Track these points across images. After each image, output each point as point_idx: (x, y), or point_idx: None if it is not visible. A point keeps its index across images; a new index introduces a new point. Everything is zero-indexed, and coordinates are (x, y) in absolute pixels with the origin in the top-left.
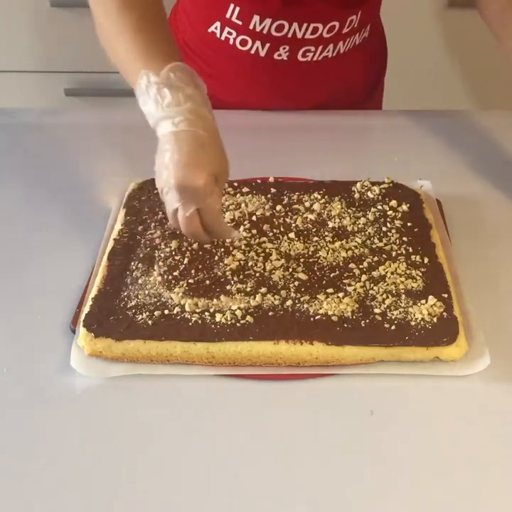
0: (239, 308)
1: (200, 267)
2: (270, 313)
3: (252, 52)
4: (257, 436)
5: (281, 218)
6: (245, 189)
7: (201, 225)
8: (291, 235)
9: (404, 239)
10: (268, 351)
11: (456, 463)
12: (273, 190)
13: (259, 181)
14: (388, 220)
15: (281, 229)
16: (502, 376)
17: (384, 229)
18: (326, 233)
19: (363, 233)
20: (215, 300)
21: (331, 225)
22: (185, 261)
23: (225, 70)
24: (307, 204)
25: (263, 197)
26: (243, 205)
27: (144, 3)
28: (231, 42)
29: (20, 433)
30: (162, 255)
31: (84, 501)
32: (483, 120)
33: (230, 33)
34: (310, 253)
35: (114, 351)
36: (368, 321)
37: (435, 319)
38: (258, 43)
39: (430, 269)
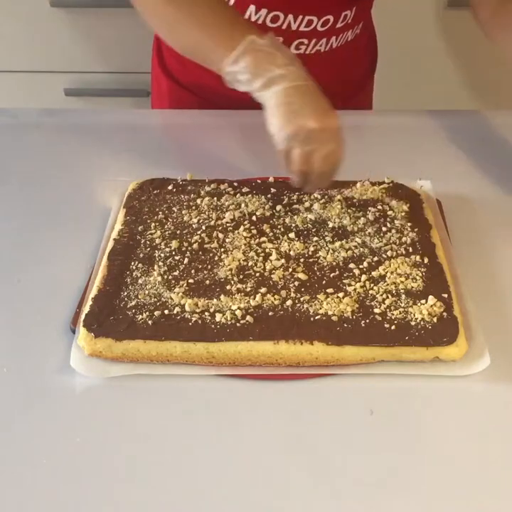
0: (239, 308)
1: (200, 267)
2: (270, 313)
3: None
4: (257, 436)
5: (281, 218)
6: (245, 189)
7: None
8: (291, 235)
9: (404, 239)
10: (268, 351)
11: (456, 463)
12: (273, 190)
13: (259, 181)
14: (388, 220)
15: (281, 229)
16: (502, 376)
17: (384, 229)
18: (326, 233)
19: (362, 233)
20: (215, 300)
21: (330, 225)
22: (185, 261)
23: None
24: (307, 204)
25: (263, 197)
26: (243, 205)
27: None
28: None
29: (20, 433)
30: (162, 255)
31: (84, 501)
32: (483, 120)
33: None
34: (310, 253)
35: (114, 351)
36: (367, 321)
37: (435, 319)
38: None
39: (430, 269)
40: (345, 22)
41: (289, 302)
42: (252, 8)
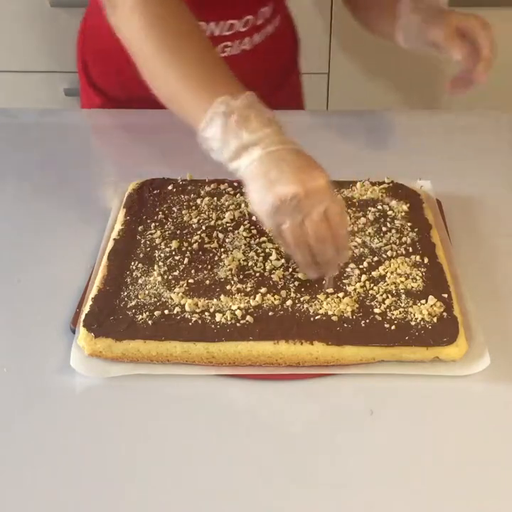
0: (239, 308)
1: (200, 267)
2: (270, 313)
3: None
4: (257, 436)
5: None
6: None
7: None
8: None
9: (404, 239)
10: (268, 351)
11: (456, 463)
12: None
13: None
14: (388, 220)
15: None
16: (502, 376)
17: (384, 229)
18: None
19: (363, 233)
20: (215, 300)
21: None
22: (185, 261)
23: None
24: None
25: None
26: (243, 205)
27: (187, 31)
28: None
29: (20, 433)
30: (162, 255)
31: (84, 501)
32: (484, 120)
33: None
34: None
35: (114, 351)
36: (367, 321)
37: (435, 319)
38: None
39: (430, 269)
40: (264, 17)
41: (289, 302)
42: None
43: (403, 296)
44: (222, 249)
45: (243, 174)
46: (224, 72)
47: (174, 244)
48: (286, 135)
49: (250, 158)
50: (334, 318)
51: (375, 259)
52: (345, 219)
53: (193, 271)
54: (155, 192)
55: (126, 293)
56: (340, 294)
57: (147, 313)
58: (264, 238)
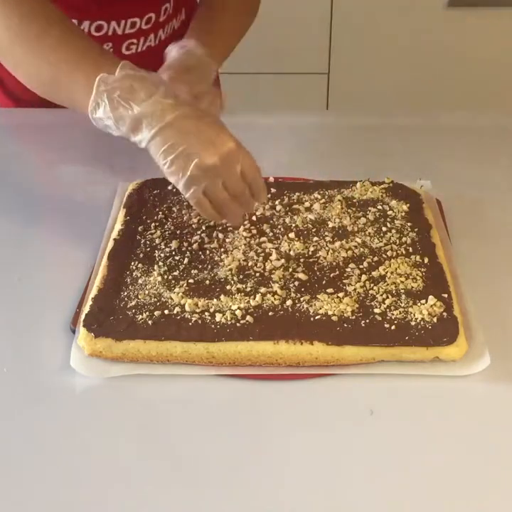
0: (239, 308)
1: (200, 267)
2: (270, 313)
3: None
4: (257, 436)
5: (281, 218)
6: None
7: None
8: (291, 235)
9: (404, 239)
10: (268, 351)
11: (456, 463)
12: (273, 190)
13: None
14: (388, 220)
15: (281, 229)
16: (502, 376)
17: (384, 229)
18: (326, 233)
19: (363, 233)
20: (215, 300)
21: (331, 225)
22: (185, 261)
23: None
24: (307, 204)
25: None
26: None
27: (49, 19)
28: None
29: (20, 433)
30: (162, 255)
31: (84, 501)
32: (481, 120)
33: None
34: (310, 253)
35: (114, 351)
36: (367, 321)
37: (435, 319)
38: None
39: (430, 269)
40: (167, 14)
41: (289, 302)
42: (74, 22)
43: (403, 296)
44: (222, 249)
45: (148, 148)
46: (96, 50)
47: (174, 244)
48: (172, 95)
49: (150, 131)
50: (334, 318)
51: (375, 259)
52: (257, 167)
53: (193, 271)
54: (155, 192)
55: (126, 293)
56: (340, 294)
57: (147, 313)
58: (264, 238)
